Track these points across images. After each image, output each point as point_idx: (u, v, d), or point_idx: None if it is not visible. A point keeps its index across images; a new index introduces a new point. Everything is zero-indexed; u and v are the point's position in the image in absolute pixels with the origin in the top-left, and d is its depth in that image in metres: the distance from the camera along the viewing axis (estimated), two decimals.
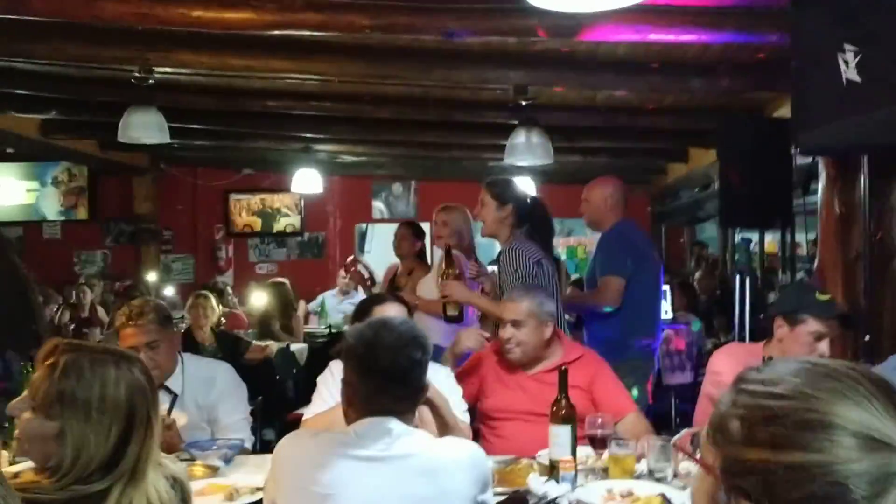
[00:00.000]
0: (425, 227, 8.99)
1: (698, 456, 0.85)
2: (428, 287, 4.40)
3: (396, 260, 5.31)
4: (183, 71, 4.85)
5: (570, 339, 3.28)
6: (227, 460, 2.59)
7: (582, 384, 2.94)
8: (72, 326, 6.63)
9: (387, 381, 1.87)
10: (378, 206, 10.20)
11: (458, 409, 2.72)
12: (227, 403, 2.99)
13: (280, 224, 10.15)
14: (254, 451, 3.03)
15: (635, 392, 3.97)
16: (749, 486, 0.75)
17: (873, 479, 0.72)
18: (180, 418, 2.76)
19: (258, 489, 2.17)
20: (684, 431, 2.45)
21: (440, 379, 2.77)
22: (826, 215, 3.74)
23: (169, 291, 8.62)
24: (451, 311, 3.71)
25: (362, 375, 1.89)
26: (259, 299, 7.05)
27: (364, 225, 10.27)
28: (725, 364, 2.82)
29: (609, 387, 2.97)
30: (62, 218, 9.71)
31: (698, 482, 0.86)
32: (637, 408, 3.01)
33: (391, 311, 2.72)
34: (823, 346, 2.70)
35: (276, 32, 3.81)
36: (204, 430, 2.92)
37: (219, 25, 3.64)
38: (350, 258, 6.15)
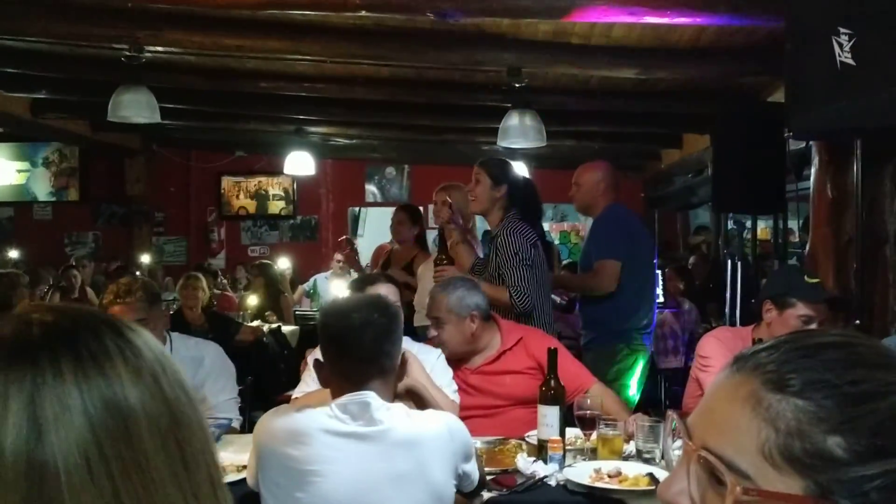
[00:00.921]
0: (419, 210, 8.99)
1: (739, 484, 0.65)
2: (427, 274, 4.35)
3: (385, 241, 5.28)
4: (174, 50, 4.80)
5: (510, 323, 3.18)
6: (216, 439, 2.58)
7: (529, 366, 2.92)
8: None
9: (343, 346, 1.89)
10: (371, 189, 10.18)
11: (449, 389, 2.72)
12: (215, 384, 2.98)
13: (273, 207, 10.12)
14: (242, 432, 3.03)
15: (629, 375, 3.98)
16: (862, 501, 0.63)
17: None
18: None
19: (244, 467, 2.17)
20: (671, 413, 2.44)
21: (431, 360, 2.77)
22: (818, 200, 3.74)
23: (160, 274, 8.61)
24: None
25: (327, 348, 1.93)
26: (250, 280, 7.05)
27: (357, 208, 10.25)
28: (714, 348, 2.82)
29: (565, 363, 2.78)
30: (53, 199, 9.67)
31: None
32: (596, 378, 2.95)
33: (382, 290, 2.72)
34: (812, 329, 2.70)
35: (269, 12, 3.79)
36: None
37: (210, 4, 3.62)
38: (342, 238, 6.13)
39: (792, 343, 0.70)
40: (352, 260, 6.26)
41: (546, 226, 9.18)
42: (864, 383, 0.65)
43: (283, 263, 8.33)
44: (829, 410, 0.64)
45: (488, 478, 2.20)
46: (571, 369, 2.88)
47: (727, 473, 0.65)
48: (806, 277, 2.81)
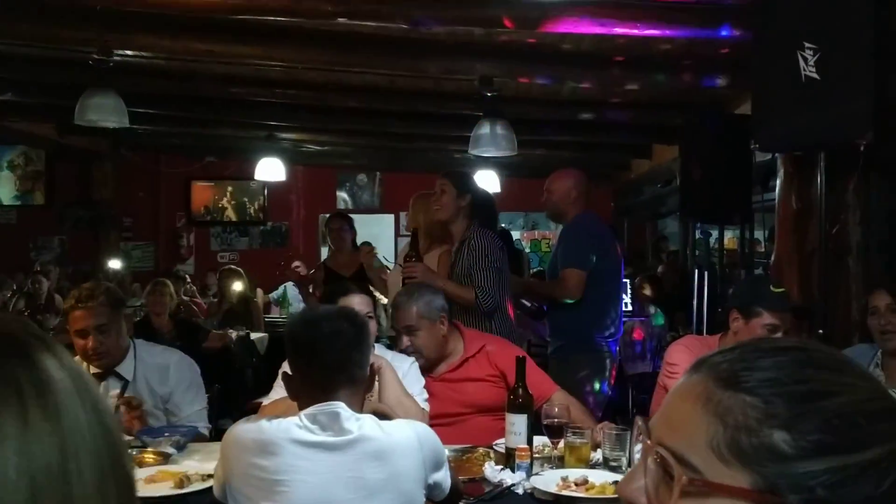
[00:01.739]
0: (388, 217, 9.02)
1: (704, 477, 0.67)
2: (393, 280, 4.39)
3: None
4: (144, 54, 4.76)
5: (473, 331, 3.22)
6: (180, 447, 2.55)
7: (492, 373, 2.93)
8: (26, 312, 6.49)
9: (312, 355, 1.89)
10: (342, 196, 10.16)
11: (420, 398, 2.73)
12: (184, 395, 2.95)
13: (243, 213, 10.05)
14: (209, 439, 3.00)
15: (597, 384, 4.01)
16: (805, 499, 0.64)
17: None
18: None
19: (209, 476, 2.15)
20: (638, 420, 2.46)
21: (404, 368, 2.77)
22: (783, 211, 3.80)
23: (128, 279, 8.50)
24: None
25: (295, 358, 1.93)
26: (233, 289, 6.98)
27: (328, 215, 10.20)
28: (681, 356, 2.85)
29: (529, 371, 2.77)
30: (18, 203, 9.51)
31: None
32: (559, 387, 2.96)
33: (355, 301, 2.71)
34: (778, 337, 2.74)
35: (241, 17, 3.77)
36: (158, 418, 2.88)
37: (181, 9, 3.59)
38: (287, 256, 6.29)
39: (747, 346, 0.72)
40: (294, 276, 6.37)
41: (516, 234, 9.22)
42: (812, 382, 0.67)
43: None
44: (776, 407, 0.65)
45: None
46: (535, 377, 2.88)
47: (676, 466, 0.67)
48: (772, 287, 2.85)
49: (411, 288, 3.10)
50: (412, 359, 2.89)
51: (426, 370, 2.95)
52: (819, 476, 0.64)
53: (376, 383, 2.49)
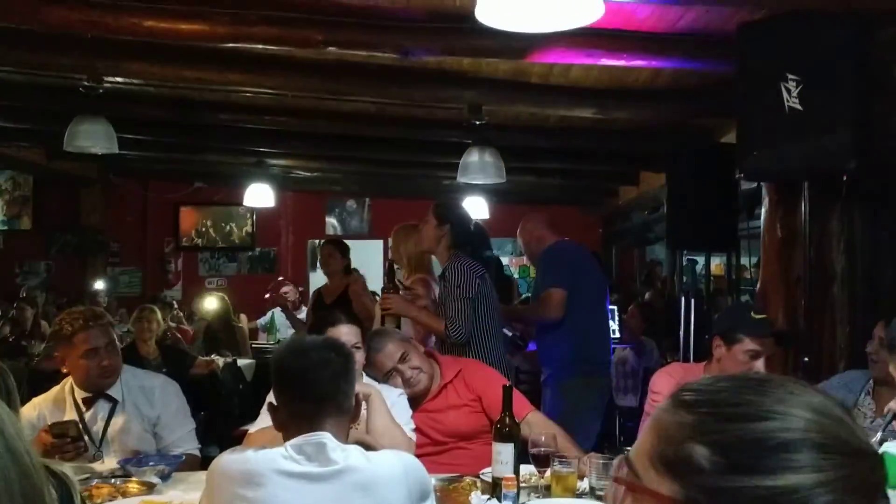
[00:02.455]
0: (377, 244, 9.03)
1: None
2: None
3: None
4: (134, 81, 4.78)
5: (449, 357, 3.23)
6: (165, 477, 2.53)
7: (470, 398, 2.93)
8: (11, 339, 6.44)
9: (300, 385, 1.88)
10: (331, 222, 10.16)
11: (407, 428, 2.72)
12: (173, 418, 2.95)
13: (231, 238, 10.03)
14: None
15: (588, 411, 4.00)
16: None
17: (859, 486, 0.68)
18: (118, 422, 2.78)
19: None
20: (620, 457, 2.46)
21: (392, 398, 2.76)
22: (768, 239, 3.83)
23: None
24: (390, 324, 3.72)
25: (282, 389, 1.92)
26: (206, 308, 6.96)
27: (317, 241, 10.21)
28: (665, 383, 2.86)
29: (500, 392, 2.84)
30: (4, 227, 9.46)
31: None
32: (534, 408, 2.94)
33: (342, 331, 2.69)
34: (759, 364, 2.75)
35: (231, 45, 3.79)
36: (148, 441, 2.87)
37: (171, 37, 3.61)
38: (277, 281, 6.27)
39: (722, 376, 0.78)
40: (281, 301, 6.42)
41: (506, 259, 9.23)
42: (747, 406, 0.71)
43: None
44: (706, 425, 0.71)
45: None
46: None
47: (625, 468, 0.76)
48: (753, 314, 2.87)
49: (375, 336, 3.08)
50: (400, 390, 2.88)
51: (414, 400, 2.94)
52: (733, 493, 0.67)
53: (363, 412, 2.48)
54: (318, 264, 5.67)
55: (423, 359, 2.98)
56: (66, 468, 1.52)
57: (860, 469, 0.69)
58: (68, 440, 2.56)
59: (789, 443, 0.68)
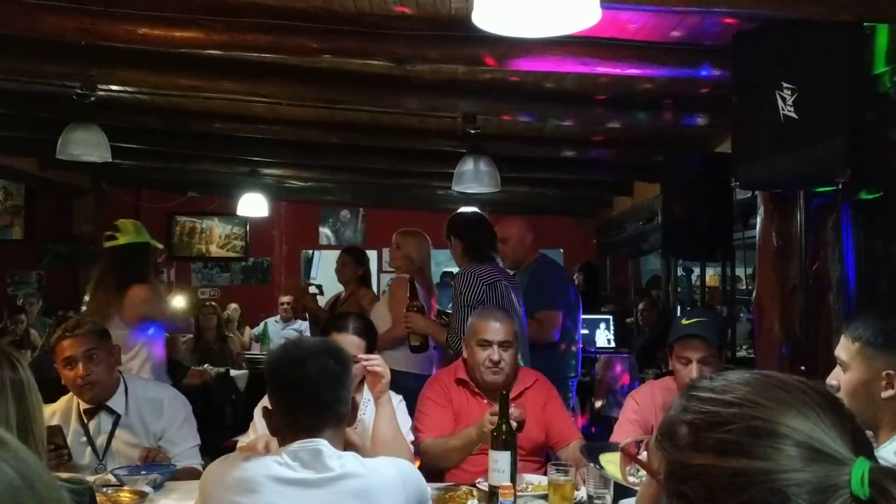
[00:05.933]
0: (372, 253, 8.98)
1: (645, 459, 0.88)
2: (379, 313, 4.37)
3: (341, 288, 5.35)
4: (127, 89, 4.76)
5: (522, 365, 3.28)
6: (157, 486, 2.50)
7: (537, 409, 2.93)
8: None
9: (299, 395, 1.85)
10: (325, 232, 10.13)
11: (408, 437, 2.71)
12: (178, 432, 2.95)
13: (224, 248, 9.99)
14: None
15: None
16: (691, 491, 0.75)
17: (814, 489, 0.72)
18: (122, 435, 2.77)
19: None
20: (631, 439, 2.45)
21: (393, 404, 2.74)
22: (764, 248, 3.82)
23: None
24: (414, 342, 3.88)
25: (276, 393, 1.90)
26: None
27: (310, 251, 10.18)
28: (643, 392, 2.88)
29: (559, 411, 3.00)
30: None
31: (644, 487, 0.87)
32: (581, 436, 3.01)
33: (346, 340, 2.63)
34: (693, 369, 2.67)
35: (225, 53, 3.78)
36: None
37: (165, 44, 3.59)
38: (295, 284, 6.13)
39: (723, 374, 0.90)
40: (299, 308, 6.33)
41: None
42: (729, 394, 0.81)
43: (231, 306, 8.24)
44: (690, 412, 0.82)
45: None
46: (562, 417, 3.02)
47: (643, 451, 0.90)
48: (684, 320, 2.81)
49: (505, 308, 3.26)
50: (400, 396, 2.87)
51: (484, 393, 2.95)
52: (695, 469, 0.77)
53: (362, 417, 2.46)
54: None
55: (515, 360, 2.97)
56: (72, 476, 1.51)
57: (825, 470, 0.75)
58: (52, 447, 2.53)
59: (743, 429, 0.76)
